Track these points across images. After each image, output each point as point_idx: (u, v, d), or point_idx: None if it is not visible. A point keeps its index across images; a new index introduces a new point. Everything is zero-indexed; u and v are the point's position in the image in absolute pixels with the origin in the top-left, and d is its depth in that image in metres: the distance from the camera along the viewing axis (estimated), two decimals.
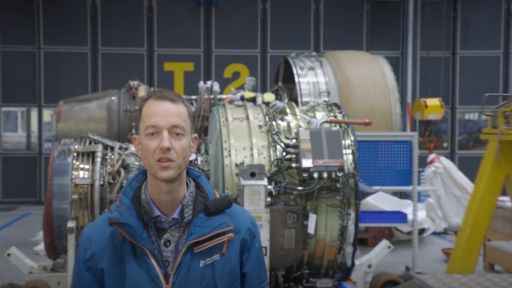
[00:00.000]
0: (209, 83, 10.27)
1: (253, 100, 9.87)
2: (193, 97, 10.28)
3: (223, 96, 10.30)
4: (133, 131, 9.70)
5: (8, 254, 6.69)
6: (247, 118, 5.73)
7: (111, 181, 5.51)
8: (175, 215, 2.03)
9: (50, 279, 6.19)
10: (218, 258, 2.02)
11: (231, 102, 9.57)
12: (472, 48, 15.83)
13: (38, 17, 15.48)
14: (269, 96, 9.96)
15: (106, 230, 2.03)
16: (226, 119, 5.74)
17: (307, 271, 5.61)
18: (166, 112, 2.00)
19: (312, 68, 10.33)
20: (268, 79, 15.54)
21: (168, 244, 2.01)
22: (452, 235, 9.20)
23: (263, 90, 14.78)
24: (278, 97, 10.59)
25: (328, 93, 10.02)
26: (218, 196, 2.11)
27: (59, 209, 5.39)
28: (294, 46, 15.19)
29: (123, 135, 9.72)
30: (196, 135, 2.11)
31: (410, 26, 15.13)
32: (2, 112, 16.10)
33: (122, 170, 5.54)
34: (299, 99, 9.92)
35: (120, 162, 5.56)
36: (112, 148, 5.75)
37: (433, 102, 11.11)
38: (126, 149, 5.77)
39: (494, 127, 3.28)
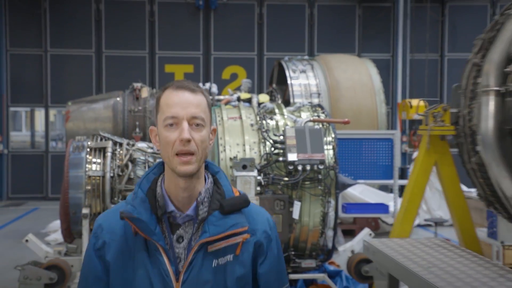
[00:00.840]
0: (207, 85, 10.92)
1: (248, 100, 10.53)
2: None
3: (221, 97, 10.94)
4: (137, 130, 10.39)
5: (26, 240, 7.43)
6: (240, 117, 6.46)
7: (120, 173, 6.22)
8: (190, 211, 1.96)
9: None
10: (231, 259, 1.96)
11: (228, 102, 10.21)
12: (459, 50, 16.54)
13: (44, 22, 16.11)
14: (264, 97, 10.63)
15: (119, 221, 1.97)
16: (222, 118, 6.46)
17: (293, 253, 6.33)
18: (186, 103, 1.92)
19: (303, 71, 11.06)
20: (264, 81, 16.20)
21: (181, 240, 1.95)
22: (433, 227, 9.90)
23: (260, 91, 15.43)
24: (273, 98, 11.29)
25: (319, 94, 10.76)
26: (236, 194, 2.03)
27: (74, 197, 6.10)
28: (289, 48, 15.88)
29: (128, 133, 10.39)
30: (214, 126, 2.04)
31: (400, 30, 15.84)
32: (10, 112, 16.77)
33: (129, 164, 6.25)
34: (291, 100, 10.65)
35: (128, 156, 6.28)
36: (121, 144, 6.46)
37: (418, 102, 11.80)
38: (133, 145, 6.49)
39: (426, 125, 4.03)
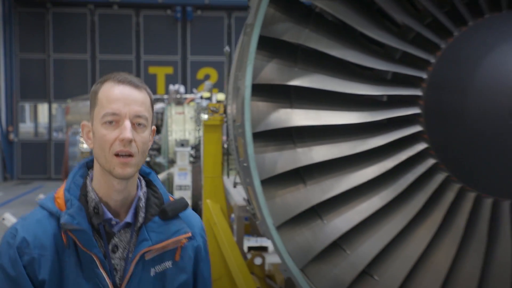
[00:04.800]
0: (176, 86, 13.80)
1: (209, 98, 13.39)
2: (165, 96, 13.88)
3: (187, 95, 13.75)
4: None
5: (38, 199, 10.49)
6: (183, 113, 9.56)
7: None
8: (128, 218, 1.72)
9: None
10: (170, 266, 1.76)
11: (193, 100, 13.09)
12: None
13: (48, 31, 18.77)
14: (221, 96, 13.52)
15: (47, 232, 1.67)
16: (171, 113, 9.55)
17: None
18: (130, 99, 1.66)
19: None
20: None
21: (116, 250, 1.71)
22: None
23: None
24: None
25: None
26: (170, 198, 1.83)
27: (72, 166, 9.19)
28: None
29: None
30: (154, 127, 1.79)
31: None
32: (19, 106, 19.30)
33: None
34: None
35: None
36: None
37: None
38: None
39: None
